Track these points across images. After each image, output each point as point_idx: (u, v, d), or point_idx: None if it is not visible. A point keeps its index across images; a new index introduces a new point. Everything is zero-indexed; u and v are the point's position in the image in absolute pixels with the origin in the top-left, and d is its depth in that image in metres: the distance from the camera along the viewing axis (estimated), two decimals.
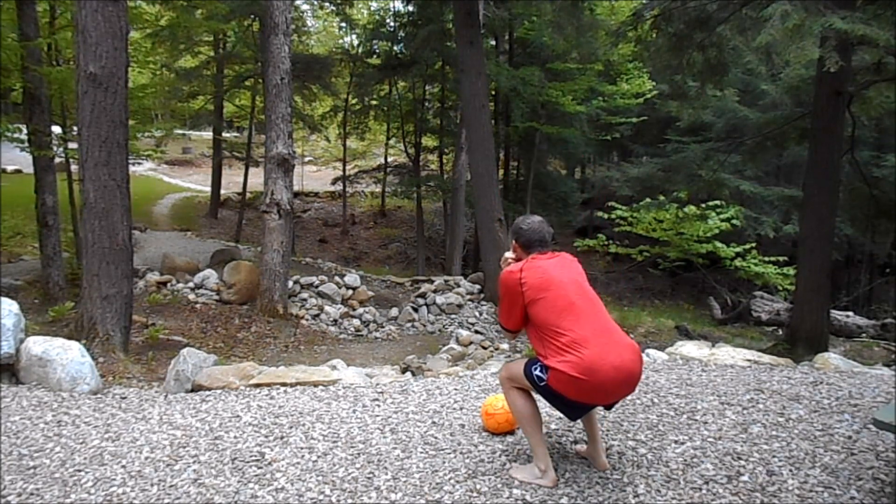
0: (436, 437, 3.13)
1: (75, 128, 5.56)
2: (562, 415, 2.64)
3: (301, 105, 16.37)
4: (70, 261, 8.80)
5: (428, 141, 18.46)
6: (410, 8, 15.50)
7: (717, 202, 11.68)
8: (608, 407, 2.72)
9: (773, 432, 3.07)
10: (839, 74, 5.90)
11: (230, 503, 2.55)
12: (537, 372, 2.51)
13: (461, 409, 3.55)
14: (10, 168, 17.73)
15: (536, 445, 2.64)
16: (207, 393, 3.99)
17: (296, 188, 12.09)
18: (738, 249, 11.83)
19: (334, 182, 19.03)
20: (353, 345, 8.38)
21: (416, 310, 9.61)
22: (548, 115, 15.30)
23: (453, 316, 9.60)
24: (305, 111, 17.13)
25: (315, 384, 4.11)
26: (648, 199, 11.29)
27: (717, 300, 12.55)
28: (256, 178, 14.52)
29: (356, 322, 9.04)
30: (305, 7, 19.46)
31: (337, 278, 9.85)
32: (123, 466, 2.88)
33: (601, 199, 15.62)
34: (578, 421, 3.23)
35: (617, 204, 12.70)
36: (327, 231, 19.13)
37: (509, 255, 2.80)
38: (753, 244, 12.16)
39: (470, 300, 10.08)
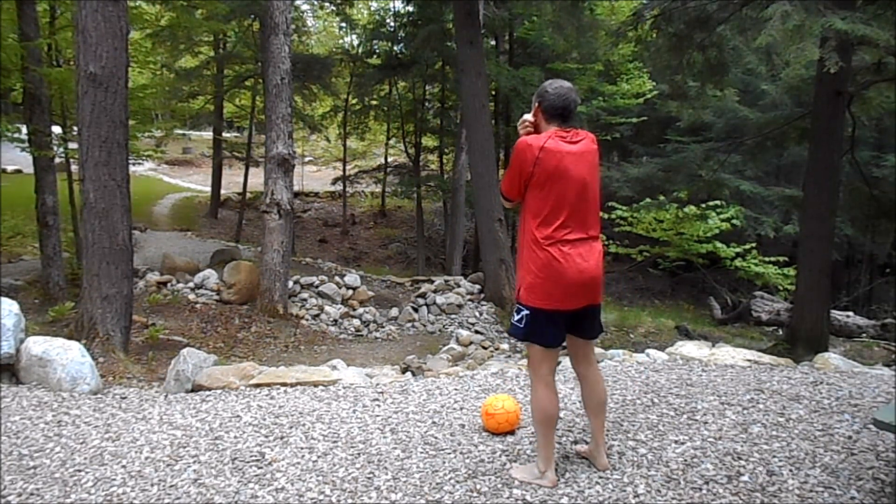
0: (436, 437, 3.13)
1: (75, 128, 5.57)
2: (541, 346, 2.60)
3: (301, 105, 16.37)
4: (70, 261, 8.80)
5: (428, 141, 18.45)
6: (410, 8, 15.49)
7: (717, 202, 11.67)
8: (585, 332, 2.70)
9: (774, 432, 3.07)
10: (839, 74, 5.90)
11: (230, 503, 2.55)
12: (516, 316, 2.58)
13: (461, 409, 3.55)
14: (10, 168, 17.72)
15: (544, 446, 2.62)
16: (207, 393, 3.99)
17: (296, 188, 12.09)
18: (738, 249, 11.83)
19: (334, 182, 19.03)
20: (353, 345, 8.38)
21: (416, 310, 9.61)
22: None
23: (453, 316, 9.59)
24: (305, 111, 17.12)
25: (315, 384, 4.11)
26: (648, 199, 11.28)
27: (717, 300, 12.55)
28: (256, 178, 14.53)
29: (356, 322, 9.04)
30: (305, 7, 19.46)
31: (337, 278, 9.84)
32: (123, 466, 2.88)
33: (601, 199, 15.59)
34: (578, 420, 3.24)
35: (617, 204, 12.69)
36: (327, 231, 19.13)
37: (528, 117, 2.63)
38: (753, 244, 12.16)
39: (470, 300, 10.07)
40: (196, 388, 4.11)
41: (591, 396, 2.75)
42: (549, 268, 2.50)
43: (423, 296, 9.86)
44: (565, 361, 4.01)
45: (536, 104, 2.60)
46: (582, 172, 2.52)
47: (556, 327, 2.58)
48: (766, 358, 4.63)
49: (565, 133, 2.52)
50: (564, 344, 2.70)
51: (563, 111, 2.54)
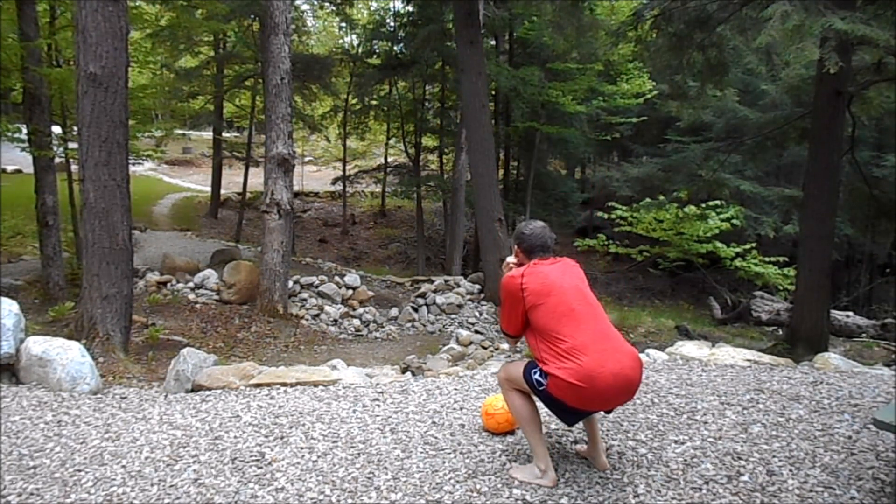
0: (436, 437, 3.13)
1: (75, 128, 5.56)
2: (559, 420, 2.64)
3: (301, 105, 16.36)
4: (70, 261, 8.80)
5: (428, 141, 18.46)
6: (410, 8, 15.49)
7: (717, 202, 11.67)
8: (607, 412, 2.72)
9: (773, 432, 3.07)
10: (839, 74, 5.89)
11: (230, 503, 2.55)
12: (536, 376, 2.52)
13: (461, 409, 3.55)
14: (10, 168, 17.72)
15: (536, 445, 2.64)
16: (207, 393, 3.99)
17: (296, 188, 12.08)
18: (738, 249, 11.83)
19: (334, 182, 19.03)
20: (353, 345, 8.38)
21: (416, 310, 9.61)
22: (548, 115, 15.30)
23: (453, 316, 9.60)
24: (305, 111, 17.12)
25: (315, 384, 4.11)
26: (648, 199, 11.29)
27: (717, 300, 12.54)
28: (256, 178, 14.52)
29: (356, 322, 9.04)
30: (305, 7, 19.48)
31: (337, 278, 9.85)
32: (123, 466, 2.88)
33: (601, 199, 15.61)
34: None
35: (617, 204, 12.70)
36: (327, 231, 19.13)
37: (511, 259, 2.81)
38: (753, 244, 12.16)
39: (470, 300, 10.07)
40: (196, 388, 4.11)
41: None
42: (581, 373, 2.40)
43: (423, 296, 9.86)
44: None
45: (516, 246, 2.79)
46: (572, 281, 2.62)
47: (580, 417, 2.62)
48: (766, 358, 4.63)
49: (543, 260, 2.68)
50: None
51: (541, 248, 2.71)
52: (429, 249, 18.00)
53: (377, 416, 3.46)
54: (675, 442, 2.98)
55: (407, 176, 16.91)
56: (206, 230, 16.46)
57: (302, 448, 3.04)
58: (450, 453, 2.94)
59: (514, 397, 2.67)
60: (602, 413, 3.19)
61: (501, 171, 17.47)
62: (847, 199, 9.10)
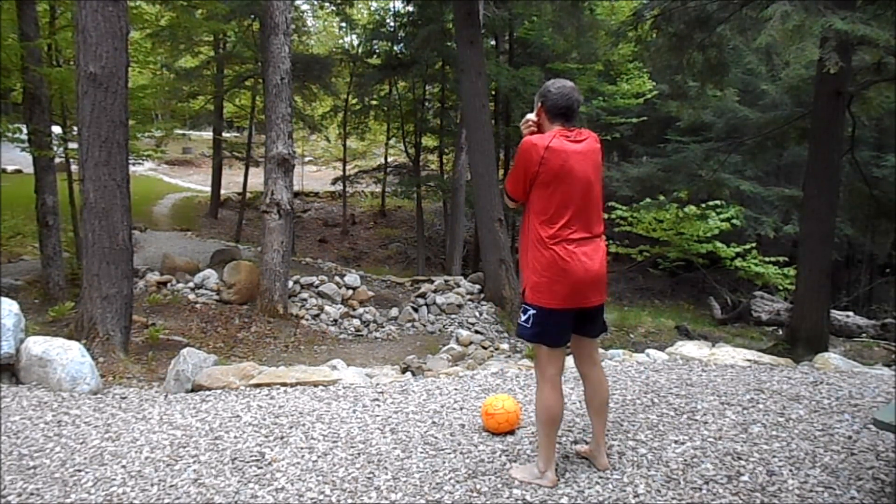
0: (436, 437, 3.13)
1: (75, 128, 5.57)
2: (549, 346, 2.59)
3: (301, 105, 16.37)
4: (70, 261, 8.80)
5: (428, 141, 18.45)
6: (410, 8, 15.49)
7: (717, 202, 11.67)
8: (589, 331, 2.69)
9: (774, 432, 3.07)
10: (839, 74, 5.90)
11: (230, 503, 2.55)
12: (523, 317, 2.58)
13: (461, 409, 3.55)
14: (10, 168, 17.71)
15: (546, 446, 2.62)
16: (207, 393, 3.99)
17: (296, 188, 12.09)
18: (738, 249, 11.83)
19: (334, 182, 19.03)
20: (353, 345, 8.38)
21: (416, 310, 9.60)
22: None
23: (453, 316, 9.59)
24: (305, 111, 17.12)
25: (315, 384, 4.10)
26: (648, 199, 11.29)
27: (717, 300, 12.55)
28: (256, 178, 14.52)
29: (356, 322, 9.03)
30: (305, 7, 19.48)
31: (337, 278, 9.84)
32: (123, 466, 2.88)
33: (603, 199, 15.60)
34: (579, 420, 3.24)
35: (617, 204, 12.69)
36: (327, 231, 19.13)
37: (531, 116, 2.63)
38: (753, 244, 12.16)
39: (470, 300, 10.07)
40: (196, 388, 4.11)
41: (595, 396, 2.74)
42: (555, 266, 2.50)
43: (423, 296, 9.85)
44: (568, 360, 4.01)
45: (539, 104, 2.60)
46: (587, 171, 2.54)
47: (563, 326, 2.59)
48: (766, 358, 4.63)
49: (569, 132, 2.53)
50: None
51: (567, 110, 2.54)
52: (429, 249, 18.00)
53: (377, 416, 3.46)
54: (676, 442, 2.98)
55: (407, 176, 16.91)
56: (206, 230, 16.45)
57: (302, 448, 3.04)
58: (450, 453, 2.94)
59: (546, 389, 2.60)
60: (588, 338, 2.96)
61: (501, 171, 17.46)
62: (847, 199, 9.10)
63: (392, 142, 19.67)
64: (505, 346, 8.25)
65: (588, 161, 2.55)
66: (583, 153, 2.53)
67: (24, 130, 8.27)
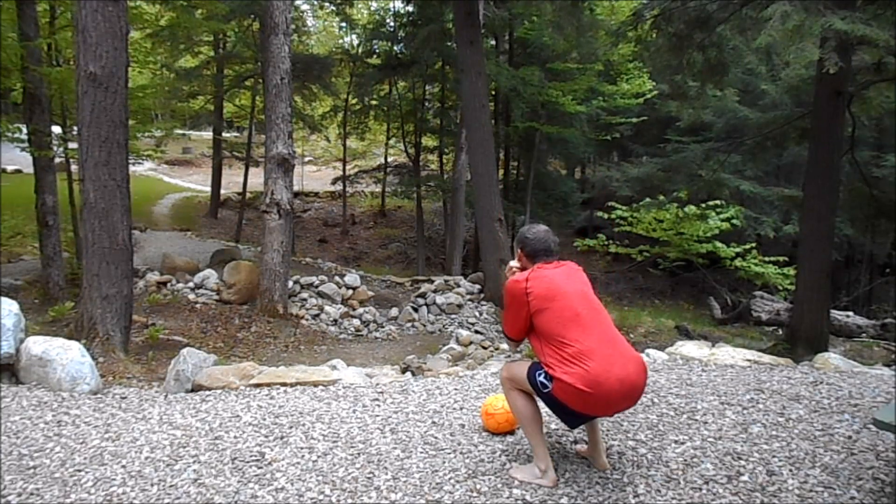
0: (436, 437, 3.13)
1: (75, 128, 5.56)
2: (561, 422, 2.64)
3: (301, 105, 16.37)
4: (70, 261, 8.80)
5: (428, 141, 18.46)
6: (410, 8, 15.50)
7: (717, 202, 11.68)
8: (609, 415, 2.72)
9: (773, 432, 3.07)
10: (839, 74, 5.90)
11: (230, 503, 2.55)
12: (541, 379, 2.50)
13: (461, 409, 3.55)
14: (10, 168, 17.72)
15: (537, 446, 2.64)
16: (207, 393, 3.99)
17: (296, 188, 12.09)
18: (738, 249, 11.83)
19: (334, 182, 19.03)
20: (353, 345, 8.38)
21: (416, 310, 9.61)
22: (548, 115, 15.30)
23: (453, 316, 9.60)
24: (305, 111, 17.12)
25: (315, 384, 4.10)
26: (648, 199, 11.29)
27: (717, 300, 12.54)
28: (256, 178, 14.52)
29: (356, 322, 9.04)
30: (305, 7, 19.49)
31: (337, 278, 9.85)
32: (123, 466, 2.88)
33: (601, 199, 15.61)
34: None
35: (617, 204, 12.70)
36: (327, 231, 19.13)
37: (514, 263, 2.77)
38: (753, 244, 12.17)
39: (470, 300, 10.07)
40: (196, 388, 4.11)
41: None
42: (586, 382, 2.40)
43: (423, 296, 9.86)
44: None
45: (519, 250, 2.73)
46: (577, 286, 2.60)
47: (583, 420, 2.61)
48: (766, 358, 4.63)
49: (547, 263, 2.64)
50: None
51: (544, 252, 2.67)
52: (429, 249, 18.00)
53: (377, 416, 3.46)
54: (675, 442, 2.98)
55: (407, 176, 16.91)
56: (206, 230, 16.46)
57: (302, 448, 3.04)
58: (450, 453, 2.94)
59: (516, 397, 2.66)
60: None
61: (501, 171, 17.47)
62: (847, 199, 9.10)
63: (392, 142, 19.68)
64: (505, 346, 8.25)
65: (574, 279, 2.64)
66: (565, 274, 2.63)
67: (24, 130, 8.27)
